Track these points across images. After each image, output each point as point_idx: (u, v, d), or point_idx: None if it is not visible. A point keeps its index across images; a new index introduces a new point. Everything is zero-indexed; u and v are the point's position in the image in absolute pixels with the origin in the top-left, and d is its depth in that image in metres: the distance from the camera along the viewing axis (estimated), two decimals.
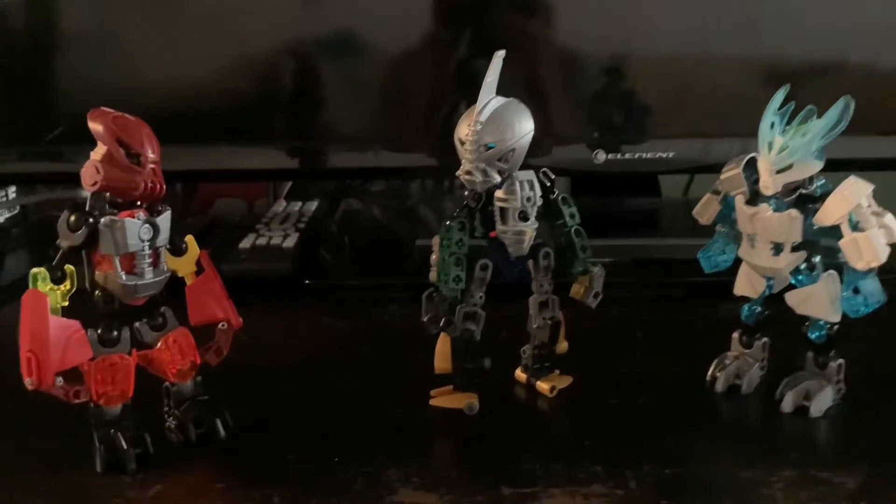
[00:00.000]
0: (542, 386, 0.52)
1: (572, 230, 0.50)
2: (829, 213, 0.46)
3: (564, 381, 0.53)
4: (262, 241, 0.77)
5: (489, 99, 0.46)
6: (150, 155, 0.43)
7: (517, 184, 0.47)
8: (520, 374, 0.54)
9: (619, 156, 0.74)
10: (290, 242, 0.76)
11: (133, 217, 0.42)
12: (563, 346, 0.53)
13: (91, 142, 0.43)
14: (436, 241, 0.49)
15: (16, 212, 0.94)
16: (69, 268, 0.43)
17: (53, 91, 0.76)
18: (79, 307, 0.44)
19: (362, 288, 0.72)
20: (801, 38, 0.73)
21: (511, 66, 0.47)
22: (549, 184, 0.49)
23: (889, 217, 0.46)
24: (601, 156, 0.74)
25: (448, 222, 0.48)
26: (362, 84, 0.76)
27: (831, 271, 0.47)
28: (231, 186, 1.01)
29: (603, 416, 0.50)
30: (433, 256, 0.49)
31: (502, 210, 0.48)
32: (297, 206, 0.91)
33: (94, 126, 0.43)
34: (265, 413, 0.50)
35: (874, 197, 0.46)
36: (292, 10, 0.74)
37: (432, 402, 0.51)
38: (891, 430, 0.48)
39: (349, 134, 0.77)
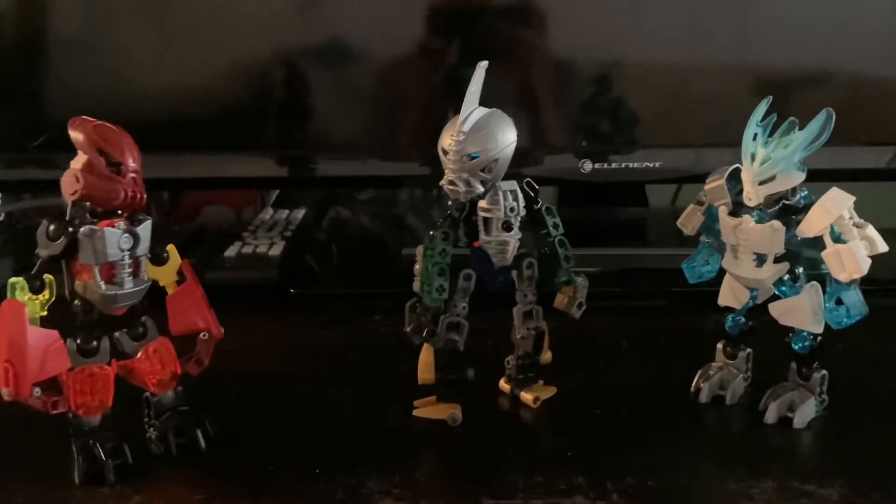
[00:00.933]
0: (526, 396, 0.52)
1: (556, 240, 0.50)
2: (812, 224, 0.46)
3: (548, 392, 0.53)
4: (247, 249, 0.76)
5: (472, 109, 0.46)
6: (131, 164, 0.43)
7: (500, 194, 0.47)
8: (503, 385, 0.54)
9: (606, 165, 0.74)
10: (276, 251, 0.76)
11: (113, 226, 0.42)
12: (546, 356, 0.53)
13: (75, 149, 0.43)
14: (419, 251, 0.49)
15: (1, 219, 0.93)
16: (48, 277, 0.43)
17: (40, 98, 0.75)
18: (58, 317, 0.43)
19: (348, 297, 0.72)
20: (789, 49, 0.73)
21: (500, 76, 0.47)
22: (532, 194, 0.49)
23: (871, 229, 0.46)
24: (588, 165, 0.74)
25: (432, 232, 0.48)
26: (351, 93, 0.76)
27: (814, 282, 0.48)
28: (219, 194, 1.00)
29: (586, 427, 0.50)
30: (417, 266, 0.49)
31: (486, 220, 0.48)
32: (284, 213, 0.90)
33: (75, 135, 0.43)
34: (247, 423, 0.50)
35: (855, 208, 0.46)
36: (282, 18, 0.74)
37: (415, 412, 0.50)
38: (873, 442, 0.48)
39: (337, 142, 0.76)
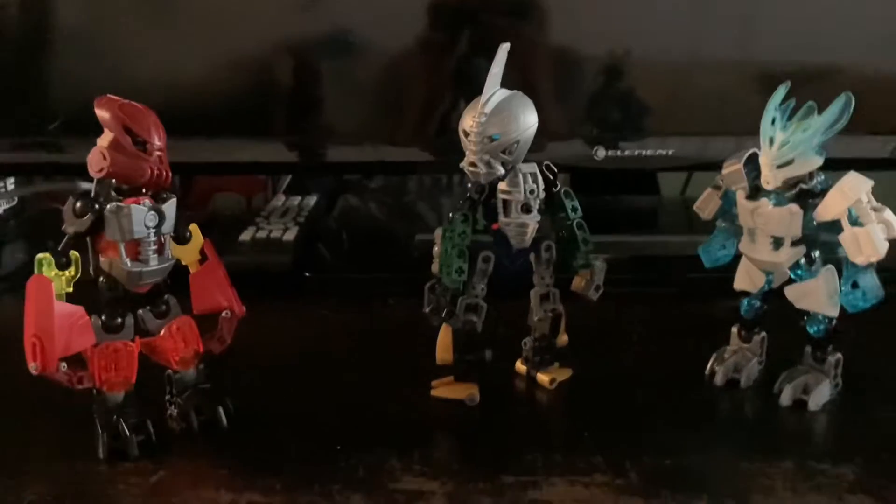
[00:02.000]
0: (543, 378, 0.53)
1: (574, 223, 0.50)
2: (829, 208, 0.46)
3: (564, 374, 0.53)
4: (261, 234, 0.77)
5: (494, 91, 0.46)
6: (157, 142, 0.43)
7: (520, 176, 0.48)
8: (520, 366, 0.54)
9: (618, 153, 0.75)
10: (289, 236, 0.76)
11: (139, 204, 0.42)
12: (563, 338, 0.53)
13: (90, 133, 0.43)
14: (438, 233, 0.49)
15: (14, 203, 0.94)
16: (74, 254, 0.43)
17: (53, 83, 0.76)
18: (83, 294, 0.44)
19: (362, 281, 0.73)
20: (798, 39, 0.74)
21: (512, 64, 0.47)
22: (551, 177, 0.49)
23: (888, 212, 0.46)
24: (601, 152, 0.75)
25: (451, 214, 0.48)
26: (361, 80, 0.76)
27: (830, 266, 0.48)
28: (229, 181, 1.01)
29: (602, 408, 0.50)
30: (436, 248, 0.50)
31: (505, 202, 0.48)
32: (296, 200, 0.91)
33: (101, 113, 0.43)
34: (267, 402, 0.51)
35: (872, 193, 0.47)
36: (293, 6, 0.75)
37: (433, 392, 0.51)
38: (886, 424, 0.48)
39: (348, 129, 0.77)
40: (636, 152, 0.75)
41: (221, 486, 0.42)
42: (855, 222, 0.46)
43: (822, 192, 0.47)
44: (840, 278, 0.48)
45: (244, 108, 0.76)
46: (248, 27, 0.74)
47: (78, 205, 0.42)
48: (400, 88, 0.76)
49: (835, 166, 0.48)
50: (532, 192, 0.48)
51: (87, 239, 0.43)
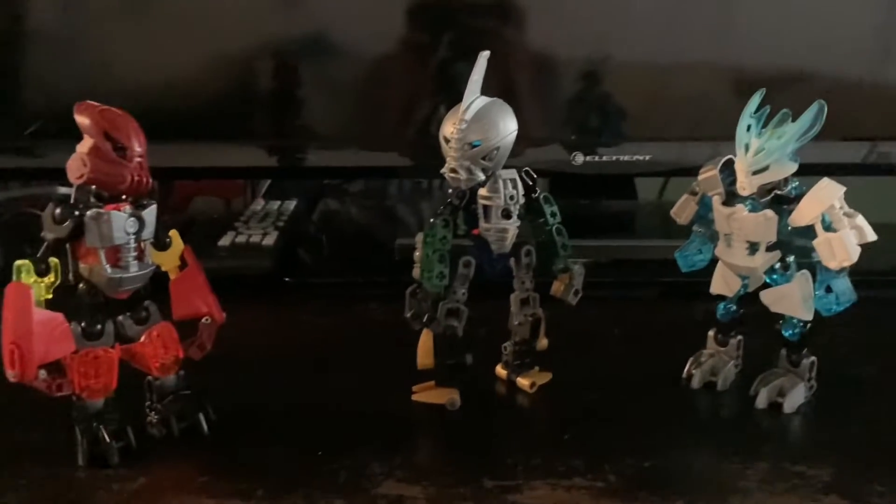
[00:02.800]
0: (523, 382, 0.53)
1: (553, 228, 0.51)
2: (804, 213, 0.47)
3: (544, 377, 0.54)
4: (241, 238, 0.77)
5: (474, 98, 0.47)
6: (137, 148, 0.43)
7: (500, 182, 0.48)
8: (500, 370, 0.54)
9: (596, 158, 0.75)
10: (269, 240, 0.76)
11: (119, 210, 0.42)
12: (543, 342, 0.54)
13: (68, 137, 0.43)
14: (419, 238, 0.50)
15: None
16: (53, 260, 0.43)
17: (30, 86, 0.75)
18: (62, 300, 0.43)
19: (342, 286, 0.73)
20: (774, 46, 0.75)
21: (491, 69, 0.48)
22: (531, 183, 0.50)
23: (860, 218, 0.47)
24: (579, 158, 0.75)
25: (432, 219, 0.49)
26: (341, 83, 0.76)
27: (804, 271, 0.49)
28: (208, 184, 1.00)
29: (582, 412, 0.51)
30: (417, 253, 0.50)
31: (486, 208, 0.49)
32: (275, 204, 0.91)
33: (81, 119, 0.43)
34: (248, 408, 0.51)
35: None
36: (272, 8, 0.75)
37: (415, 397, 0.51)
38: (860, 426, 0.49)
39: (328, 133, 0.77)
40: (614, 157, 0.75)
41: (203, 493, 0.42)
42: (828, 228, 0.46)
43: (797, 198, 0.48)
44: (814, 282, 0.48)
45: (224, 111, 0.76)
46: (228, 31, 0.74)
47: (57, 211, 0.42)
48: (380, 92, 0.76)
49: (810, 172, 0.48)
50: (512, 197, 0.48)
51: (67, 245, 0.43)
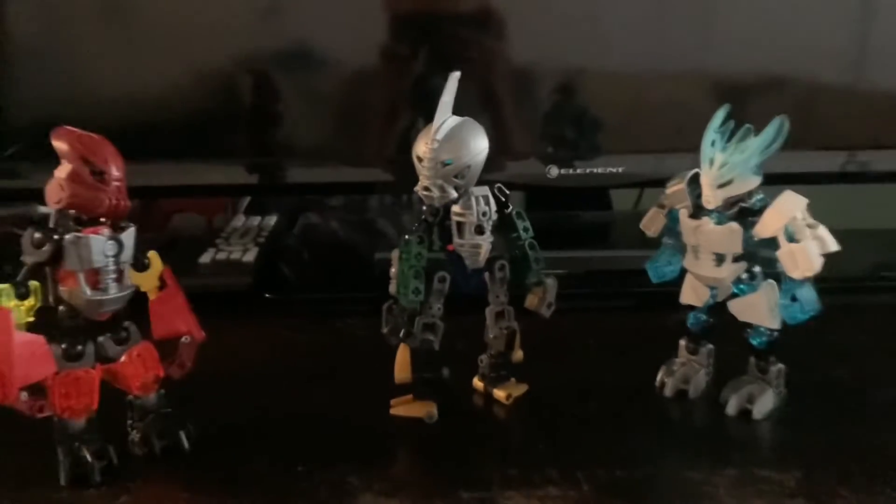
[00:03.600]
0: (499, 394, 0.54)
1: (526, 243, 0.52)
2: (767, 225, 0.48)
3: (520, 389, 0.55)
4: (221, 255, 0.77)
5: (445, 118, 0.48)
6: (115, 173, 0.44)
7: (473, 199, 0.49)
8: (477, 383, 0.55)
9: (571, 171, 0.77)
10: (249, 256, 0.77)
11: (98, 234, 0.43)
12: (518, 354, 0.55)
13: (48, 158, 0.44)
14: (395, 254, 0.51)
15: None
16: (34, 284, 0.43)
17: (8, 108, 0.75)
18: (43, 322, 0.44)
19: (323, 301, 0.73)
20: (747, 58, 0.76)
21: (467, 83, 0.49)
22: (503, 199, 0.51)
23: (822, 229, 0.48)
24: (554, 171, 0.76)
25: (407, 236, 0.50)
26: (320, 100, 0.77)
27: (770, 281, 0.50)
28: (189, 201, 1.01)
29: (557, 422, 0.52)
30: (392, 269, 0.51)
31: (459, 224, 0.50)
32: (255, 220, 0.91)
33: (59, 145, 0.43)
34: (229, 425, 0.51)
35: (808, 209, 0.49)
36: (251, 26, 0.75)
37: (392, 411, 0.52)
38: (828, 432, 0.50)
39: (308, 149, 0.78)
40: (588, 170, 0.77)
41: None
42: (791, 239, 0.48)
43: (761, 210, 0.49)
44: (780, 292, 0.50)
45: (204, 129, 0.77)
46: (208, 48, 0.75)
47: (36, 235, 0.43)
48: (360, 109, 0.77)
49: (789, 181, 0.50)
50: (485, 213, 0.50)
51: (47, 269, 0.44)
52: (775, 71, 0.77)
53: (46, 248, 0.43)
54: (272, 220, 0.91)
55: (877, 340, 0.64)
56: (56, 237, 0.43)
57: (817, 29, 0.77)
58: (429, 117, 0.48)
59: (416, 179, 0.49)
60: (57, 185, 0.43)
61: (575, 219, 0.89)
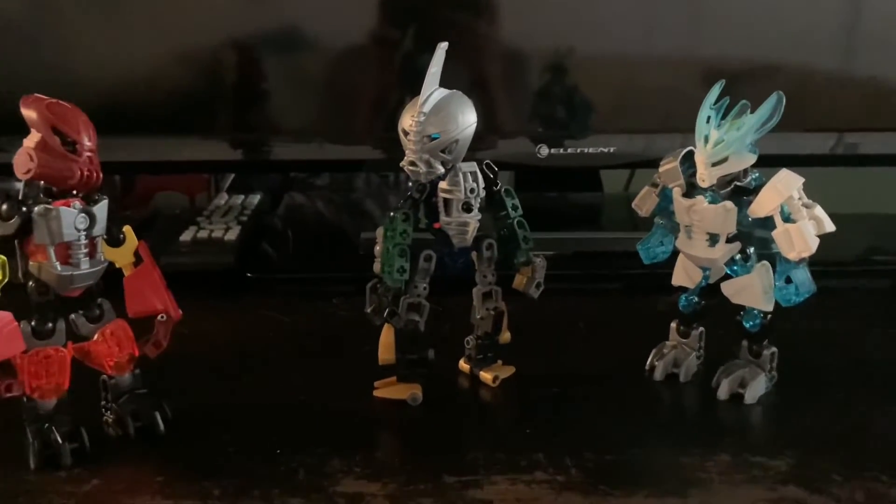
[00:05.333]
0: (485, 376, 0.53)
1: (515, 221, 0.51)
2: (763, 204, 0.47)
3: (507, 371, 0.53)
4: (203, 233, 0.76)
5: (432, 90, 0.46)
6: (87, 143, 0.42)
7: (461, 175, 0.48)
8: (463, 365, 0.54)
9: (562, 151, 0.75)
10: (232, 235, 0.75)
11: (69, 206, 0.41)
12: (505, 336, 0.53)
13: (22, 132, 0.42)
14: (380, 232, 0.49)
15: None
16: (1, 258, 0.42)
17: None
18: (11, 299, 0.42)
19: (305, 281, 0.72)
20: (739, 40, 0.75)
21: (457, 62, 0.47)
22: (492, 175, 0.50)
23: (819, 209, 0.47)
24: (544, 150, 0.75)
25: (392, 213, 0.48)
26: (306, 76, 0.75)
27: (765, 262, 0.49)
28: (171, 179, 0.99)
29: (544, 405, 0.51)
30: (377, 248, 0.49)
31: (446, 201, 0.48)
32: (239, 199, 0.90)
33: (28, 113, 0.42)
34: (205, 406, 0.50)
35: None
36: (237, 1, 0.74)
37: (376, 393, 0.51)
38: (820, 417, 0.49)
39: (293, 126, 0.76)
40: (579, 150, 0.75)
41: (158, 494, 0.41)
42: (787, 218, 0.47)
43: (756, 189, 0.48)
44: (774, 273, 0.49)
45: (187, 104, 0.75)
46: (192, 22, 0.73)
47: (4, 207, 0.41)
48: (346, 85, 0.76)
49: (777, 163, 0.48)
50: (472, 190, 0.48)
51: (15, 242, 0.42)
52: (766, 52, 0.75)
53: (14, 220, 0.41)
54: (256, 198, 0.90)
55: (868, 324, 0.63)
56: (24, 209, 0.41)
57: (808, 11, 0.75)
58: (416, 94, 0.47)
59: (401, 158, 0.48)
60: (26, 155, 0.41)
61: (564, 199, 0.88)
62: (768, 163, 0.48)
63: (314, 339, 0.61)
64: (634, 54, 0.76)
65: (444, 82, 0.47)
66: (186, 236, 0.75)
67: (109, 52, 0.73)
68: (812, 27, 0.75)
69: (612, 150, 0.75)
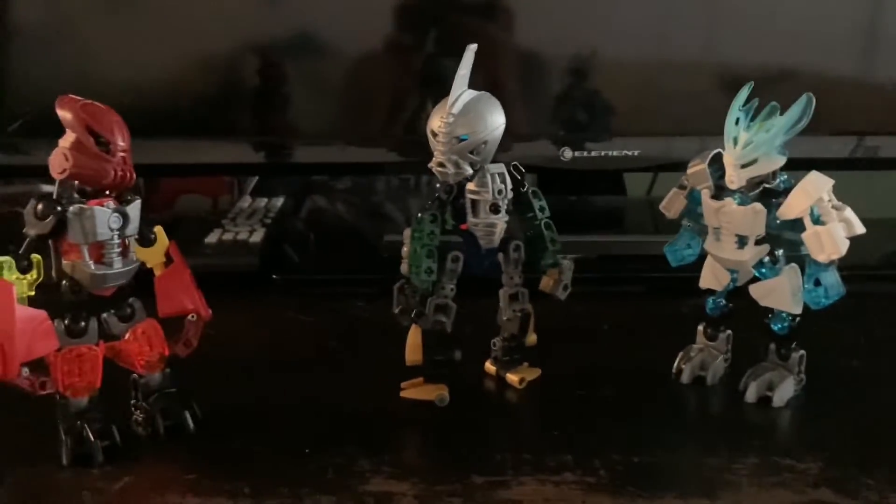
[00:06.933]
0: (512, 378, 0.53)
1: (542, 223, 0.51)
2: (792, 207, 0.47)
3: (533, 373, 0.53)
4: (228, 235, 0.76)
5: (461, 91, 0.46)
6: (120, 143, 0.43)
7: (489, 176, 0.48)
8: (489, 366, 0.54)
9: (585, 153, 0.75)
10: (256, 237, 0.76)
11: (102, 205, 0.42)
12: (532, 338, 0.53)
13: (50, 134, 0.43)
14: (407, 233, 0.49)
15: None
16: (36, 257, 0.42)
17: (13, 83, 0.74)
18: (46, 297, 0.43)
19: (330, 283, 0.72)
20: (761, 42, 0.75)
21: (480, 65, 0.47)
22: (519, 177, 0.50)
23: (849, 211, 0.47)
24: (568, 153, 0.75)
25: (420, 214, 0.48)
26: (327, 80, 0.76)
27: (793, 264, 0.49)
28: (194, 182, 1.00)
29: (571, 407, 0.51)
30: (405, 248, 0.49)
31: (474, 202, 0.48)
32: (262, 202, 0.90)
33: (63, 113, 0.42)
34: (234, 405, 0.50)
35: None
36: (258, 4, 0.74)
37: (403, 393, 0.51)
38: (849, 420, 0.49)
39: (314, 130, 0.76)
40: (603, 153, 0.75)
41: (188, 491, 0.42)
42: (817, 221, 0.46)
43: (785, 192, 0.47)
44: (803, 276, 0.48)
45: (210, 108, 0.76)
46: (215, 27, 0.74)
47: (39, 207, 0.42)
48: (368, 89, 0.76)
49: (797, 166, 0.48)
50: (500, 192, 0.48)
51: (50, 241, 0.42)
52: (786, 56, 0.75)
53: (49, 219, 0.41)
54: (279, 201, 0.90)
55: (894, 329, 0.63)
56: (59, 208, 0.41)
57: (828, 14, 0.75)
58: (437, 98, 0.47)
59: (422, 161, 0.48)
60: (61, 155, 0.42)
61: (588, 203, 0.87)
62: (787, 166, 0.48)
63: (340, 341, 0.61)
64: (657, 56, 0.76)
65: (469, 86, 0.47)
66: (212, 238, 0.75)
67: (134, 57, 0.74)
68: (832, 28, 0.75)
69: (635, 152, 0.75)
